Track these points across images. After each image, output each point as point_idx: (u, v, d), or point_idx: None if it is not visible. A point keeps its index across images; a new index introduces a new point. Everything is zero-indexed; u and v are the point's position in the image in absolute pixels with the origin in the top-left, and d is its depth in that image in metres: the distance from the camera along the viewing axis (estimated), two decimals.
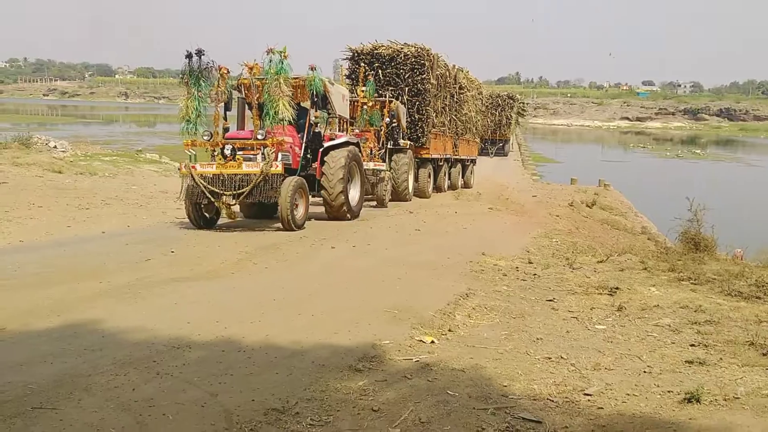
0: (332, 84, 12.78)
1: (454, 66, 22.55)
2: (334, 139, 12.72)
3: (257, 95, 11.38)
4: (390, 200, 16.29)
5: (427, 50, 19.14)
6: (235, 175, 10.54)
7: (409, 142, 18.28)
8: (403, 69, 18.98)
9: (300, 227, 11.04)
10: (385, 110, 17.15)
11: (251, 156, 10.88)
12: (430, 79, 19.14)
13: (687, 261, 8.49)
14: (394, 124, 17.49)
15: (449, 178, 23.02)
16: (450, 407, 3.92)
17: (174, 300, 6.28)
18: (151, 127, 69.58)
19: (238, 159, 10.63)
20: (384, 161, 16.70)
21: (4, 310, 5.64)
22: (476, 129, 27.60)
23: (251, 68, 11.24)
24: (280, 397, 3.97)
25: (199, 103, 10.57)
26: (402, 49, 19.17)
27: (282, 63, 10.64)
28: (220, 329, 5.32)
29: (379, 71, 18.84)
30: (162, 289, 6.74)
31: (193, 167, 10.65)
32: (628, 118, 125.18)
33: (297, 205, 10.95)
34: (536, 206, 18.87)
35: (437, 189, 21.30)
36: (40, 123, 59.11)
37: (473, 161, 26.85)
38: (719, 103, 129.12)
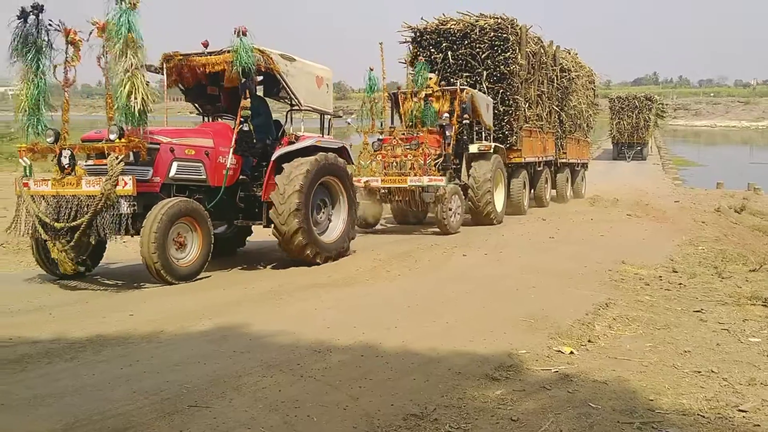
0: (290, 60, 8.75)
1: (551, 42, 18.15)
2: (294, 143, 8.76)
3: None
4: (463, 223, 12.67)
5: (511, 21, 15.11)
6: (75, 197, 7.00)
7: (493, 144, 13.96)
8: (479, 48, 14.96)
9: (188, 279, 7.34)
10: (455, 103, 13.19)
11: (103, 168, 7.01)
12: (517, 58, 15.03)
13: None
14: (466, 121, 13.26)
15: (553, 187, 19.16)
16: (592, 420, 3.81)
17: (314, 305, 6.51)
18: None
19: (78, 172, 7.08)
20: (444, 172, 12.40)
21: (162, 314, 6.07)
22: (588, 126, 23.18)
23: (102, 28, 6.90)
24: (419, 403, 4.01)
25: (39, 87, 7.08)
26: (477, 22, 15.15)
27: (127, 15, 6.68)
28: (358, 334, 5.46)
29: (449, 53, 15.14)
30: (302, 294, 7.03)
31: (25, 184, 7.29)
32: None
33: (182, 245, 7.36)
34: (679, 212, 17.94)
35: (537, 202, 17.55)
36: None
37: (584, 165, 22.96)
38: None
